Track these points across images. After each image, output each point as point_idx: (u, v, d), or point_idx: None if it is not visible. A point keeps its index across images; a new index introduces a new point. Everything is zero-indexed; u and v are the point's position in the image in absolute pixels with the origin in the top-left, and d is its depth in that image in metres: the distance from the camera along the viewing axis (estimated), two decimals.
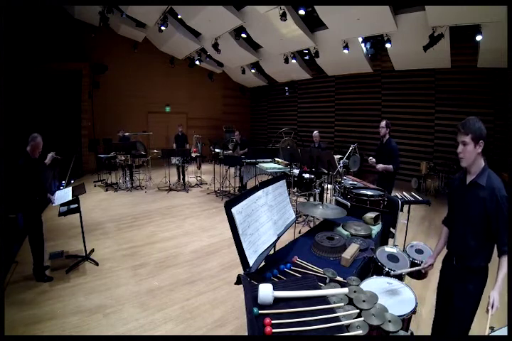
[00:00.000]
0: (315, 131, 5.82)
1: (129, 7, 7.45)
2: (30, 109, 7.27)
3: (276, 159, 6.19)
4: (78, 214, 3.39)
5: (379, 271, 1.73)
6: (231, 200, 1.38)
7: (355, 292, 1.24)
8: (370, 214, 2.22)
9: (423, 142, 7.77)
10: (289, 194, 3.63)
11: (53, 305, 2.65)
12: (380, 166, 3.89)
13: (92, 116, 9.49)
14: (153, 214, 5.38)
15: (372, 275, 1.65)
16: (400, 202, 2.67)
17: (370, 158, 4.05)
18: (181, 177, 7.74)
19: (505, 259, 1.48)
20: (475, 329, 2.31)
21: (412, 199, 3.25)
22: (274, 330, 0.96)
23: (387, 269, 1.69)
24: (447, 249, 1.78)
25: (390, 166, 3.84)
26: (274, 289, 1.11)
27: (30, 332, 2.28)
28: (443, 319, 1.77)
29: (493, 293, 1.44)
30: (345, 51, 7.15)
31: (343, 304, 1.15)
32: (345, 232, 2.01)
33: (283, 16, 6.06)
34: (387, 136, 3.98)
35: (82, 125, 9.11)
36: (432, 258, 1.79)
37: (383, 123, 4.02)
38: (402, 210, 2.75)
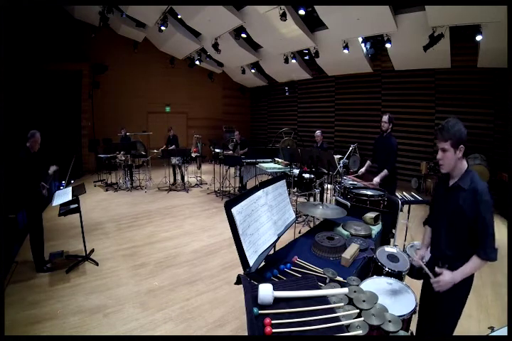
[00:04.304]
0: (317, 131, 5.56)
1: (129, 7, 7.45)
2: (30, 109, 7.27)
3: (276, 159, 6.19)
4: (78, 214, 3.39)
5: (379, 271, 1.73)
6: (231, 200, 1.38)
7: (355, 292, 1.24)
8: (370, 214, 2.22)
9: (423, 142, 7.77)
10: (289, 194, 3.63)
11: (53, 305, 2.65)
12: (376, 180, 3.57)
13: (92, 116, 9.49)
14: (153, 214, 5.38)
15: (372, 275, 1.65)
16: (400, 202, 2.67)
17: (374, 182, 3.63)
18: (177, 178, 7.73)
19: (476, 260, 1.46)
20: (475, 329, 2.33)
21: (412, 199, 3.26)
22: (274, 330, 0.96)
23: (387, 269, 1.69)
24: (430, 253, 1.73)
25: (385, 172, 3.57)
26: (274, 289, 1.11)
27: (30, 332, 2.28)
28: (429, 322, 1.72)
29: (446, 273, 1.46)
30: (345, 51, 7.15)
31: (343, 304, 1.15)
32: (345, 232, 2.01)
33: (283, 16, 6.06)
34: (389, 131, 3.71)
35: (82, 125, 9.11)
36: (423, 250, 1.75)
37: (385, 117, 3.65)
38: (402, 210, 2.76)
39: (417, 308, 1.39)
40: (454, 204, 1.55)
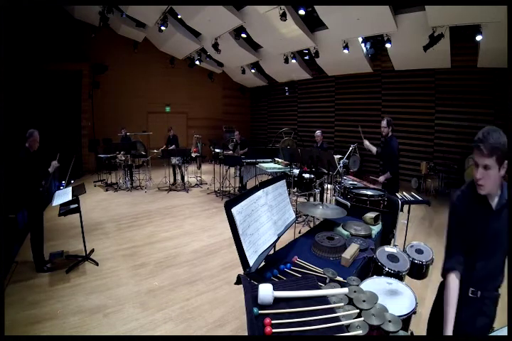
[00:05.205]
0: (317, 131, 5.56)
1: (129, 7, 7.45)
2: (30, 109, 7.27)
3: (276, 159, 6.19)
4: (78, 214, 3.39)
5: (379, 271, 1.73)
6: (231, 200, 1.38)
7: (355, 292, 1.24)
8: (370, 214, 2.22)
9: (423, 142, 7.77)
10: (289, 194, 3.63)
11: (53, 305, 2.65)
12: (381, 179, 3.92)
13: (92, 116, 9.49)
14: (153, 214, 5.38)
15: (372, 276, 1.65)
16: (400, 202, 2.67)
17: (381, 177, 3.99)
18: (177, 178, 7.72)
19: None
20: None
21: (412, 199, 3.25)
22: (274, 330, 0.96)
23: (387, 269, 1.69)
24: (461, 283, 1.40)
25: (388, 174, 3.85)
26: (274, 289, 1.11)
27: (30, 332, 2.28)
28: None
29: None
30: (345, 51, 7.15)
31: (343, 304, 1.15)
32: (345, 232, 2.01)
33: (283, 16, 6.06)
34: (390, 134, 3.87)
35: (82, 125, 9.11)
36: (450, 330, 1.30)
37: (384, 122, 3.84)
38: (402, 210, 2.75)
39: (417, 308, 1.39)
40: (505, 222, 1.32)
